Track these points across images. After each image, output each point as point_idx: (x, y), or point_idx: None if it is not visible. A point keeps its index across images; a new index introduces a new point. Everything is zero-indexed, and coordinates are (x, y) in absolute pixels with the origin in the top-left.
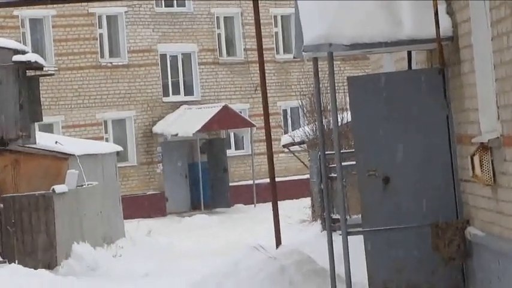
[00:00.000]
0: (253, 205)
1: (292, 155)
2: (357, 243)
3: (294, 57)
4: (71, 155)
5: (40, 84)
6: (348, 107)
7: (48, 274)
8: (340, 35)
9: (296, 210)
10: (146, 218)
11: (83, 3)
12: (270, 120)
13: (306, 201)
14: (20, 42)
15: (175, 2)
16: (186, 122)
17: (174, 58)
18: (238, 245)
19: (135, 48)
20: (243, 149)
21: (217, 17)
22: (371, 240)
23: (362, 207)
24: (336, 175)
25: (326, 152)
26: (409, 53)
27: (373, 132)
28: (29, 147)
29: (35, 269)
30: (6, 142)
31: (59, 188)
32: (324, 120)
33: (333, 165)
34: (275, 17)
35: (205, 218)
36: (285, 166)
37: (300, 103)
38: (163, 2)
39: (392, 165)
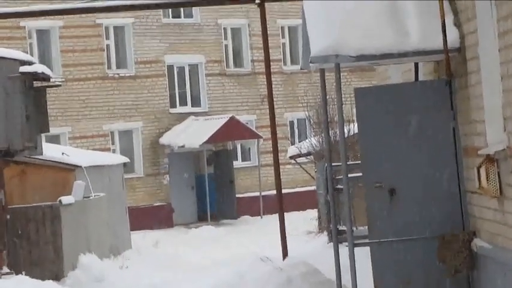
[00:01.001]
0: (259, 216)
1: (299, 166)
2: (363, 254)
3: (301, 69)
4: (77, 166)
5: (47, 95)
6: (355, 118)
7: (55, 285)
8: (347, 46)
9: (303, 222)
10: (153, 230)
11: (90, 14)
12: (277, 132)
13: (313, 213)
14: (27, 53)
15: (182, 13)
16: (192, 133)
17: (181, 69)
18: (244, 257)
19: (142, 59)
20: (250, 160)
21: (224, 28)
22: (377, 252)
23: (368, 218)
24: (342, 187)
25: (333, 164)
26: (416, 64)
27: (379, 144)
28: (35, 158)
29: (41, 280)
30: (13, 153)
31: (65, 199)
32: (330, 132)
33: (339, 177)
34: (282, 28)
35: (212, 230)
36: (291, 177)
37: (307, 114)
38: (170, 13)
39: (398, 177)
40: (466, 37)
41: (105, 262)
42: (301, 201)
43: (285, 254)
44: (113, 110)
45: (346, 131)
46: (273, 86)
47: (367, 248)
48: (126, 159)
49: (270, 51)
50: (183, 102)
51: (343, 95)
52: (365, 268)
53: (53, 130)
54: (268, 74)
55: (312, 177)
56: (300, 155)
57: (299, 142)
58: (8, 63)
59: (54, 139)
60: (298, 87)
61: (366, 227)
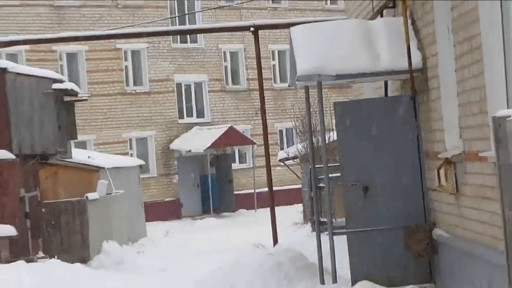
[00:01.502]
0: (254, 210)
1: (287, 168)
2: (341, 242)
3: (288, 86)
4: (101, 167)
5: (75, 108)
6: (334, 127)
7: (82, 267)
8: (328, 67)
9: (290, 215)
10: (164, 221)
11: (111, 40)
12: (269, 139)
13: (299, 207)
14: (58, 72)
15: (188, 39)
16: (198, 140)
17: (187, 86)
18: (241, 244)
19: (155, 78)
20: (246, 162)
21: (224, 51)
22: (353, 240)
23: (345, 212)
24: (323, 185)
25: (315, 166)
26: (386, 83)
27: (355, 149)
28: (66, 161)
29: (71, 263)
30: (47, 157)
31: (91, 196)
32: (313, 139)
33: (321, 177)
34: (273, 51)
35: (214, 221)
36: (281, 177)
37: (294, 124)
38: (178, 38)
39: (371, 177)
40: (427, 59)
41: (124, 248)
42: (289, 197)
43: (275, 241)
44: (130, 121)
45: (326, 138)
46: (265, 100)
47: (345, 236)
48: (142, 162)
49: (263, 71)
50: (190, 114)
51: (324, 108)
52: (343, 253)
53: (81, 137)
54: (261, 90)
55: (298, 177)
56: (288, 158)
57: (287, 147)
58: (42, 81)
59: (82, 145)
60: (286, 101)
61: (344, 218)
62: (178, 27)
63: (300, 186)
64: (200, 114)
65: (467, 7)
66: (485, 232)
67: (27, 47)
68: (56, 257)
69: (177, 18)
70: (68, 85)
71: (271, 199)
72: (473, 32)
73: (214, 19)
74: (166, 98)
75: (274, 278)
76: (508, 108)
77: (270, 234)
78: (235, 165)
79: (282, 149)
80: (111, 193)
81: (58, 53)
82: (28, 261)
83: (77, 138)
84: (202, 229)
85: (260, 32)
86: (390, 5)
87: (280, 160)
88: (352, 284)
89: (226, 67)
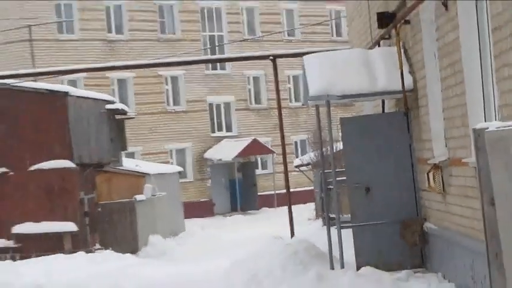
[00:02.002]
0: (274, 208)
1: (302, 173)
2: (347, 234)
3: (302, 105)
4: (147, 174)
5: (125, 125)
6: (340, 139)
7: (132, 257)
8: (334, 89)
9: (304, 212)
10: (200, 218)
11: (154, 68)
12: (286, 149)
13: (311, 205)
14: (111, 95)
15: (218, 66)
16: (227, 150)
17: (218, 106)
18: (264, 236)
19: (191, 99)
20: (267, 169)
21: (247, 77)
22: (357, 232)
23: (350, 209)
24: (332, 187)
25: (325, 171)
26: (383, 101)
27: (358, 156)
28: (117, 168)
29: (123, 253)
30: (102, 165)
31: (139, 197)
32: (323, 149)
33: (330, 180)
34: (288, 76)
35: (241, 218)
36: (296, 181)
37: (307, 137)
38: (210, 66)
39: (372, 179)
40: (418, 81)
41: (167, 241)
42: (304, 197)
43: (292, 234)
44: (171, 135)
45: (334, 147)
46: (283, 117)
47: (350, 230)
48: (180, 169)
49: (280, 92)
50: (220, 129)
51: (332, 123)
52: (349, 244)
53: (130, 149)
54: (279, 108)
55: (310, 180)
56: (302, 165)
57: (301, 156)
58: (98, 103)
59: (130, 155)
60: (300, 117)
61: (349, 214)
62: (209, 56)
63: (312, 188)
64: (229, 128)
65: (450, 38)
66: (467, 225)
67: (84, 74)
68: (110, 248)
69: (209, 49)
70: (119, 106)
71: (289, 199)
72: (456, 59)
73: (240, 50)
74: (200, 115)
75: (291, 264)
76: (485, 121)
77: (287, 228)
78: (258, 171)
79: (297, 157)
80: (155, 195)
81: (110, 79)
82: (87, 252)
83: (126, 150)
84: (231, 224)
85: (278, 60)
86: (386, 37)
87: (295, 166)
88: (357, 269)
89: (250, 89)
